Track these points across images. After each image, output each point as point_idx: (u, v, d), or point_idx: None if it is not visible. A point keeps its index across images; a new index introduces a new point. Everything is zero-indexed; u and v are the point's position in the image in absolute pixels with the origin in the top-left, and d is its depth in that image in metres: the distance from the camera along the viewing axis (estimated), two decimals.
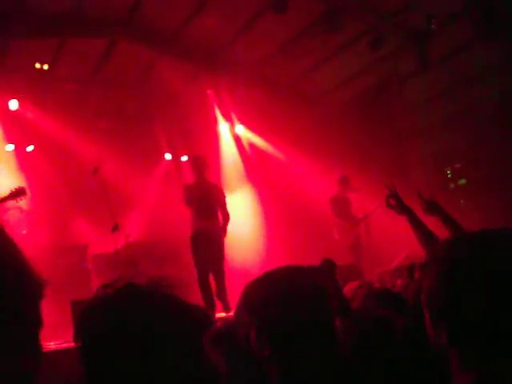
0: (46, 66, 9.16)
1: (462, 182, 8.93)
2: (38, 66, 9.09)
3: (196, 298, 6.55)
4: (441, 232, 3.04)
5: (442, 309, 1.27)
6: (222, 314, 6.52)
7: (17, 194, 6.25)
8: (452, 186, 9.11)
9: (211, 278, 6.92)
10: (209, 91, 10.43)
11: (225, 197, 7.37)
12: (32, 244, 7.38)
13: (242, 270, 8.84)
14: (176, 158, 11.15)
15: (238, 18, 8.76)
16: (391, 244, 7.89)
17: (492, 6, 7.48)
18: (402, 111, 9.67)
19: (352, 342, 1.93)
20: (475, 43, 7.88)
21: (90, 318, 1.14)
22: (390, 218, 8.09)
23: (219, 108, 10.75)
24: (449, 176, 9.11)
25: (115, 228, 7.43)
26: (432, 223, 3.22)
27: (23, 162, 9.25)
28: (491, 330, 1.19)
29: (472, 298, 1.21)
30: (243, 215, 10.51)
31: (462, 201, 8.83)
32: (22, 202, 6.78)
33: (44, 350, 4.02)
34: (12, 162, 9.18)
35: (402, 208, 3.35)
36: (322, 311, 1.62)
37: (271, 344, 1.63)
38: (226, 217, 7.21)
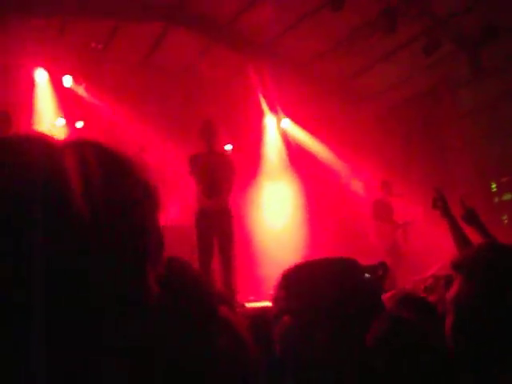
0: (100, 46, 9.35)
1: (508, 196, 8.72)
2: (93, 45, 9.28)
3: None
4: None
5: (466, 314, 1.28)
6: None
7: None
8: (496, 200, 8.91)
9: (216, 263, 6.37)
10: (256, 81, 10.39)
11: (233, 171, 6.61)
12: None
13: (277, 260, 8.87)
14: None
15: (293, 11, 8.72)
16: (428, 253, 7.79)
17: None
18: (452, 119, 9.49)
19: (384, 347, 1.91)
20: None
21: None
22: (429, 226, 8.04)
23: (266, 101, 10.75)
24: (493, 190, 8.91)
25: None
26: (470, 234, 3.25)
27: (71, 136, 9.47)
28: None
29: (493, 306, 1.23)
30: (284, 207, 10.55)
31: (504, 217, 8.63)
32: None
33: None
34: (62, 137, 9.40)
35: (446, 211, 3.50)
36: (365, 311, 1.58)
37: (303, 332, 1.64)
38: (228, 194, 6.47)
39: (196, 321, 1.14)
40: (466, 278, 1.36)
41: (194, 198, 6.73)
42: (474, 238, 3.20)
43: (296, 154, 10.93)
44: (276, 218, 10.52)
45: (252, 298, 7.52)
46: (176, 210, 9.75)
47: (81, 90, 9.48)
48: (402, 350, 1.65)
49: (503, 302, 1.27)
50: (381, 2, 8.06)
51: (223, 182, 6.38)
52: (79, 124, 9.68)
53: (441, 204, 3.57)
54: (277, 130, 11.04)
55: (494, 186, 8.91)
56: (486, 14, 7.90)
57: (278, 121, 10.94)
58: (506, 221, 8.52)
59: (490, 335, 1.25)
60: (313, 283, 1.68)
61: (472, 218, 3.42)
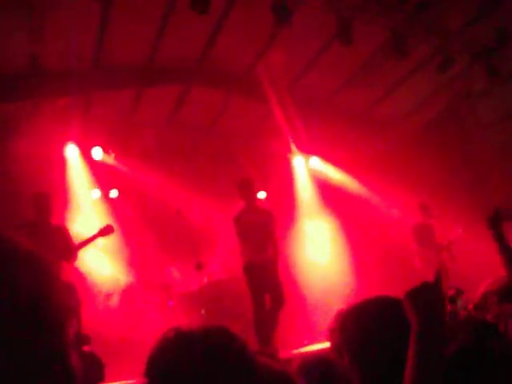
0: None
1: None
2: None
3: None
4: None
5: None
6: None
7: (105, 231, 6.56)
8: None
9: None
10: (281, 125, 10.53)
11: (275, 224, 6.80)
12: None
13: (321, 302, 8.78)
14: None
15: (305, 53, 8.89)
16: (477, 270, 7.60)
17: None
18: (477, 130, 9.41)
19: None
20: None
21: (152, 357, 1.26)
22: (474, 243, 7.88)
23: (293, 142, 10.85)
24: None
25: (199, 266, 7.63)
26: None
27: (109, 207, 9.68)
28: None
29: None
30: (325, 245, 10.50)
31: None
32: (110, 239, 7.13)
33: None
34: (98, 208, 9.64)
35: (497, 234, 3.43)
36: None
37: (362, 372, 1.68)
38: (275, 247, 6.66)
39: None
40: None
41: (237, 255, 6.88)
42: None
43: (328, 191, 10.93)
44: (319, 256, 10.48)
45: (306, 341, 7.44)
46: (220, 263, 9.81)
47: (111, 160, 9.74)
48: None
49: None
50: (388, 29, 8.15)
51: (268, 238, 6.60)
52: (114, 193, 9.90)
53: (494, 226, 3.48)
54: (306, 169, 11.09)
55: None
56: (496, 21, 7.89)
57: (307, 160, 11.00)
58: None
59: None
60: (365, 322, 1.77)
61: (495, 221, 3.36)
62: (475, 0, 7.73)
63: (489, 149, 9.31)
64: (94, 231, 6.56)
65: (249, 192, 6.74)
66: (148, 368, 1.25)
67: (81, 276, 8.05)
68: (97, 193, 9.78)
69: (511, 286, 3.20)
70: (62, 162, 9.38)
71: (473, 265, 7.72)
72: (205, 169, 10.85)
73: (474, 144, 9.53)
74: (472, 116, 9.45)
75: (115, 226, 6.97)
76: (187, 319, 7.83)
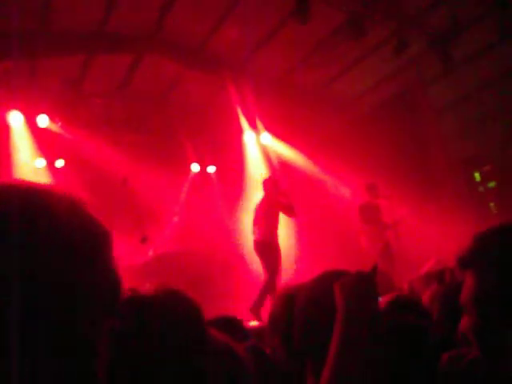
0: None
1: (492, 184, 8.80)
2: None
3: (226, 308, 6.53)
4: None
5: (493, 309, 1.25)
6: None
7: None
8: (481, 189, 8.98)
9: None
10: (233, 98, 10.46)
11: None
12: None
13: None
14: (203, 168, 11.23)
15: (260, 28, 8.80)
16: (421, 250, 7.81)
17: None
18: (429, 115, 9.59)
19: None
20: (500, 44, 7.81)
21: None
22: (420, 223, 8.07)
23: (245, 117, 10.79)
24: (477, 179, 8.99)
25: (144, 240, 7.53)
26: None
27: (53, 177, 9.41)
28: None
29: None
30: None
31: (491, 204, 8.71)
32: None
33: None
34: (44, 178, 9.35)
35: None
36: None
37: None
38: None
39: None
40: (481, 272, 1.30)
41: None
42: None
43: (278, 168, 10.96)
44: None
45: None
46: (166, 236, 9.73)
47: (57, 128, 9.42)
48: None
49: None
50: (346, 9, 8.16)
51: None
52: (59, 163, 9.62)
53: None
54: (257, 145, 11.07)
55: (477, 175, 8.98)
56: (452, 8, 8.01)
57: (258, 136, 10.98)
58: (493, 208, 8.59)
59: None
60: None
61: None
62: None
63: (438, 132, 9.51)
64: None
65: (273, 188, 7.91)
66: None
67: None
68: (41, 162, 9.49)
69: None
70: (5, 130, 9.01)
71: (417, 244, 7.93)
72: (154, 141, 10.67)
73: (425, 127, 9.71)
74: (424, 99, 9.61)
75: None
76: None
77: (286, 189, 8.24)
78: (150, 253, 8.47)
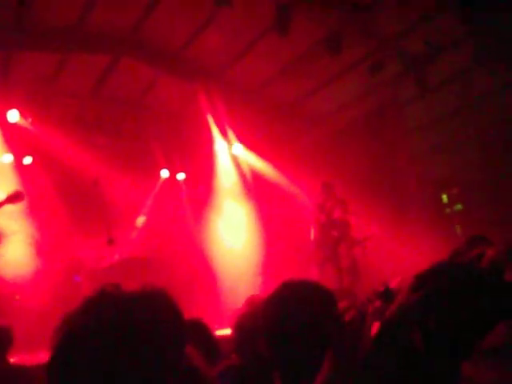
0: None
1: (458, 207, 8.96)
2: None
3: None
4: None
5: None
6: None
7: (14, 197, 6.17)
8: (448, 211, 9.14)
9: None
10: (207, 109, 10.44)
11: None
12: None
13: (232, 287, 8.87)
14: (173, 175, 11.17)
15: (239, 39, 8.84)
16: (387, 267, 7.90)
17: (491, 32, 7.59)
18: (401, 136, 9.74)
19: None
20: (474, 69, 7.99)
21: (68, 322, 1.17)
22: (388, 242, 8.16)
23: (218, 127, 10.79)
24: (445, 201, 9.15)
25: (110, 241, 7.39)
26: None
27: (21, 174, 9.21)
28: None
29: None
30: (238, 232, 10.56)
31: (457, 226, 8.86)
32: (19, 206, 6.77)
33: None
34: (9, 174, 9.15)
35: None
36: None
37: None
38: None
39: None
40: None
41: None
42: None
43: (248, 178, 11.00)
44: (233, 241, 10.53)
45: (216, 326, 7.44)
46: (134, 240, 9.64)
47: (28, 125, 9.25)
48: None
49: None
50: (325, 26, 8.26)
51: None
52: (27, 160, 9.44)
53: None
54: (229, 155, 11.08)
55: (444, 197, 9.13)
56: (429, 33, 8.17)
57: (230, 146, 10.99)
58: (458, 230, 8.74)
59: None
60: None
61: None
62: (409, 12, 7.95)
63: (409, 152, 9.66)
64: (2, 197, 6.18)
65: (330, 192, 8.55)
66: (62, 331, 1.16)
67: None
68: (9, 158, 9.29)
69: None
70: None
71: (384, 262, 8.00)
72: (125, 144, 10.57)
73: (397, 146, 9.83)
74: (398, 119, 9.75)
75: (25, 195, 6.60)
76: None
77: None
78: (116, 256, 8.36)
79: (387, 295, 3.18)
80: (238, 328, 2.84)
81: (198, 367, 1.43)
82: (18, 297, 7.68)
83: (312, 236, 8.72)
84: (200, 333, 2.90)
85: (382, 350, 1.67)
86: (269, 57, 9.15)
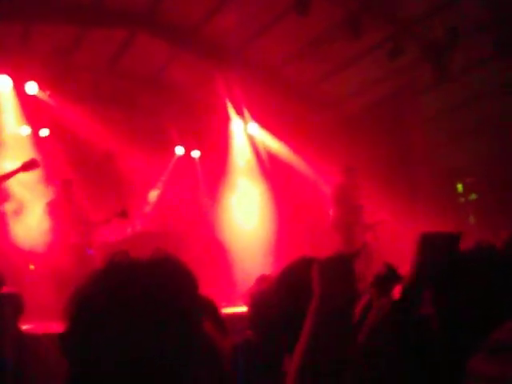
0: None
1: (473, 197, 8.89)
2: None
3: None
4: None
5: None
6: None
7: (29, 165, 6.22)
8: (462, 200, 9.07)
9: None
10: (223, 87, 10.40)
11: None
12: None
13: (248, 263, 8.91)
14: (187, 152, 11.20)
15: (259, 18, 8.76)
16: (398, 254, 7.86)
17: None
18: (417, 123, 9.65)
19: None
20: (494, 59, 7.87)
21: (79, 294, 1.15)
22: (399, 228, 8.13)
23: (233, 106, 10.77)
24: (459, 190, 9.08)
25: (123, 214, 7.37)
26: None
27: (37, 145, 9.26)
28: None
29: None
30: (251, 211, 10.59)
31: (471, 217, 8.80)
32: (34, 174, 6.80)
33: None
34: (26, 146, 9.20)
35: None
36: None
37: None
38: None
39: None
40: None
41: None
42: None
43: (264, 158, 11.00)
44: (246, 220, 10.57)
45: (224, 303, 7.49)
46: (146, 215, 9.68)
47: (46, 97, 9.28)
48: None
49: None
50: (345, 7, 8.16)
51: None
52: (44, 132, 9.49)
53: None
54: (244, 134, 11.08)
55: (459, 186, 9.06)
56: (450, 19, 8.05)
57: (245, 125, 10.98)
58: (472, 220, 8.69)
59: None
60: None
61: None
62: None
63: (424, 140, 9.58)
64: (17, 165, 6.23)
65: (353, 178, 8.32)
66: (73, 302, 1.13)
67: None
68: (26, 129, 9.34)
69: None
70: None
71: (395, 248, 7.97)
72: (140, 120, 10.58)
73: (411, 133, 9.76)
74: (414, 106, 9.66)
75: (41, 165, 6.66)
76: None
77: None
78: (129, 230, 8.42)
79: (390, 276, 3.18)
80: (252, 306, 2.87)
81: (215, 338, 1.44)
82: (32, 266, 7.76)
83: (331, 217, 8.66)
84: (207, 310, 2.93)
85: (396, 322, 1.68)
86: (286, 37, 9.06)
